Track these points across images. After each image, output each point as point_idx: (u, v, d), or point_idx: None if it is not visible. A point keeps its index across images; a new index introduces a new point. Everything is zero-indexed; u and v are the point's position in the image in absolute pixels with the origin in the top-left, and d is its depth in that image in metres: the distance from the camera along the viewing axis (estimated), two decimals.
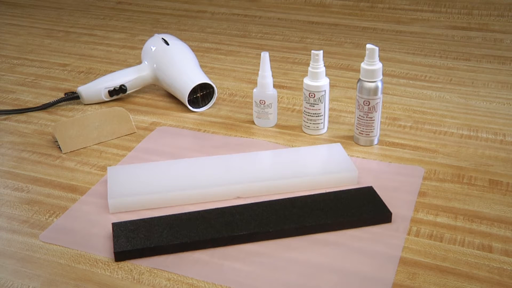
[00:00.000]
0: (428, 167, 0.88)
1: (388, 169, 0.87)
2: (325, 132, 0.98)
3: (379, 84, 0.89)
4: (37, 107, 1.08)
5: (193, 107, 1.06)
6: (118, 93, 1.10)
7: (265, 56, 0.96)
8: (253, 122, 1.02)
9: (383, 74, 1.20)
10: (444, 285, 0.66)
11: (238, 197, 0.81)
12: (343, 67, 1.26)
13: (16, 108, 1.10)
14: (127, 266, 0.70)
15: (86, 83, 1.15)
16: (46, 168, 0.90)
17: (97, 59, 1.33)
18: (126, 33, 1.50)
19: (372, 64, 0.88)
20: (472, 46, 1.36)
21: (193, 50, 1.36)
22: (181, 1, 1.74)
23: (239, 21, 1.57)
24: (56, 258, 0.71)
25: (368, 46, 0.88)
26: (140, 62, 1.22)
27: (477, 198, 0.80)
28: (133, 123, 1.00)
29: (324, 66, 0.96)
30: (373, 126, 0.92)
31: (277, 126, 1.01)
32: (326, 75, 1.11)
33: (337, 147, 0.89)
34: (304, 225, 0.73)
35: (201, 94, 1.07)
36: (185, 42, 1.26)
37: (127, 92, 1.11)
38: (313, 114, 0.95)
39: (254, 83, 1.18)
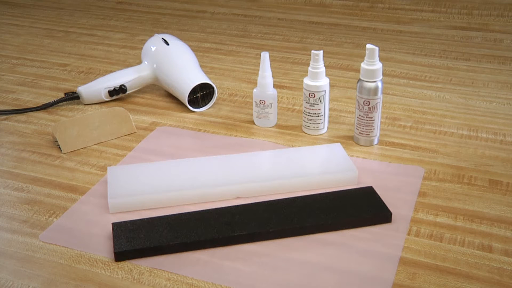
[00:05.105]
0: (428, 167, 0.88)
1: (388, 169, 0.87)
2: (325, 132, 0.98)
3: (379, 84, 0.89)
4: (37, 107, 1.08)
5: (193, 107, 1.06)
6: (118, 93, 1.10)
7: (265, 56, 0.96)
8: (253, 122, 1.02)
9: (383, 74, 1.20)
10: (444, 285, 0.66)
11: (238, 197, 0.81)
12: (343, 67, 1.26)
13: (16, 108, 1.10)
14: (127, 266, 0.70)
15: (86, 83, 1.15)
16: (46, 168, 0.90)
17: (97, 59, 1.33)
18: (126, 33, 1.50)
19: (372, 64, 0.88)
20: (472, 46, 1.36)
21: (193, 50, 1.36)
22: (181, 1, 1.74)
23: (239, 21, 1.57)
24: (56, 258, 0.71)
25: (368, 46, 0.88)
26: (140, 62, 1.22)
27: (477, 198, 0.80)
28: (133, 123, 1.00)
29: (324, 66, 0.96)
30: (373, 126, 0.92)
31: (277, 126, 1.01)
32: (326, 75, 1.11)
33: (337, 147, 0.89)
34: (304, 225, 0.73)
35: (201, 94, 1.07)
36: (185, 42, 1.26)
37: (127, 92, 1.11)
38: (313, 114, 0.95)
39: (254, 83, 1.18)
